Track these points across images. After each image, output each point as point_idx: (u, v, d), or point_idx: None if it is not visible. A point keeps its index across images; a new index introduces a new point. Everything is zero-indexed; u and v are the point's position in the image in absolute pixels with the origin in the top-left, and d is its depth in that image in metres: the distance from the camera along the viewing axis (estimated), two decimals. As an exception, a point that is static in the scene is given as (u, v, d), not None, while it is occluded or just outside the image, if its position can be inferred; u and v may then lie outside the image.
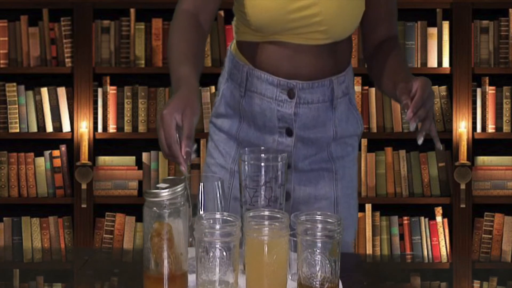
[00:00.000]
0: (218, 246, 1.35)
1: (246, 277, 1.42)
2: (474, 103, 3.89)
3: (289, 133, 1.82)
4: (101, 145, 3.91)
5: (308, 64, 1.79)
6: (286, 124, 1.82)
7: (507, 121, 3.89)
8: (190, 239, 1.45)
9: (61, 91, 3.90)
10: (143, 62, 3.92)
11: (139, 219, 3.90)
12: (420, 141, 1.68)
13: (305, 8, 1.74)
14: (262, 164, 1.51)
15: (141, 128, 3.91)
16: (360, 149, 3.91)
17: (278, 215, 1.41)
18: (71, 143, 3.88)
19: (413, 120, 1.62)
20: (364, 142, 3.91)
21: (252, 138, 1.84)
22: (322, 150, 1.84)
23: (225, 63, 1.91)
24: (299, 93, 1.80)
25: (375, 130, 3.92)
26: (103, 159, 3.91)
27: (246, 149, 1.57)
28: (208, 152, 1.92)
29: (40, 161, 3.91)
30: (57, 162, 3.91)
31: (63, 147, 3.91)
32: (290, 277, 1.49)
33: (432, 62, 3.91)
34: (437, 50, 3.91)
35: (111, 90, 3.91)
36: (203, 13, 1.79)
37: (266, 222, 1.40)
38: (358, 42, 3.93)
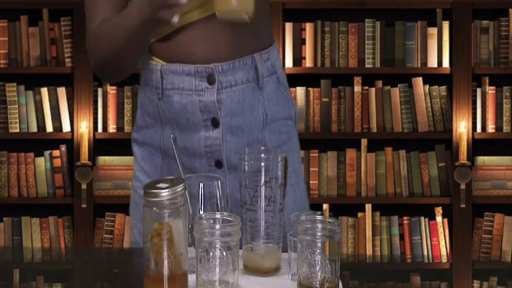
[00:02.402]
0: (218, 246, 1.35)
1: None
2: (474, 103, 3.89)
3: (215, 124, 1.67)
4: (101, 145, 3.91)
5: (224, 40, 1.65)
6: (211, 114, 1.67)
7: (507, 121, 3.89)
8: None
9: (61, 91, 3.90)
10: (143, 62, 3.92)
11: (139, 219, 3.90)
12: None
13: None
14: (262, 164, 1.50)
15: (141, 128, 3.90)
16: (360, 149, 3.92)
17: None
18: (71, 143, 3.88)
19: None
20: (364, 142, 3.91)
21: (178, 143, 1.67)
22: (255, 140, 1.70)
23: (140, 74, 1.79)
24: (220, 77, 1.65)
25: (375, 130, 3.92)
26: (103, 159, 3.91)
27: (246, 148, 1.56)
28: (134, 176, 1.78)
29: (40, 161, 3.91)
30: (57, 162, 3.91)
31: (63, 147, 3.91)
32: (290, 277, 1.50)
33: (432, 62, 3.92)
34: (437, 50, 3.91)
35: (111, 90, 3.91)
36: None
37: None
38: (358, 42, 3.93)
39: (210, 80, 1.66)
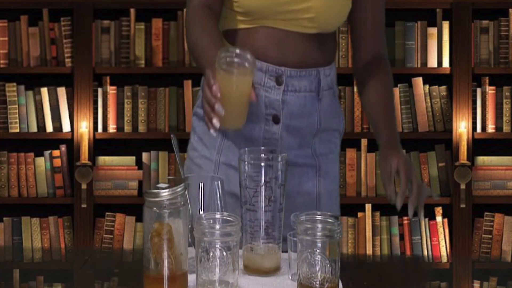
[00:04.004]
0: (218, 246, 1.35)
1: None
2: (474, 103, 3.89)
3: (276, 120, 1.83)
4: (101, 145, 3.91)
5: (296, 51, 1.82)
6: (274, 111, 1.83)
7: (507, 121, 3.89)
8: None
9: (61, 91, 3.90)
10: (143, 62, 3.92)
11: (139, 219, 3.91)
12: (399, 206, 1.78)
13: None
14: (262, 164, 1.51)
15: (141, 128, 3.91)
16: (360, 149, 3.92)
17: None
18: (71, 143, 3.88)
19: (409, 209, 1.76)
20: (364, 142, 3.91)
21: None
22: (305, 144, 1.87)
23: None
24: (287, 80, 1.82)
25: (375, 130, 3.91)
26: (103, 159, 3.91)
27: (246, 149, 1.57)
28: (191, 146, 1.92)
29: (40, 161, 3.91)
30: (57, 162, 3.91)
31: (63, 147, 3.91)
32: (290, 277, 1.50)
33: (432, 62, 3.92)
34: (437, 50, 3.91)
35: (111, 90, 3.91)
36: (214, 4, 1.82)
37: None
38: (358, 42, 3.93)
39: (279, 81, 1.82)
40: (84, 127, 3.82)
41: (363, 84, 1.96)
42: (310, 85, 1.84)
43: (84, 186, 3.84)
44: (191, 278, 1.40)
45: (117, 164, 3.92)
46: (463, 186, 3.84)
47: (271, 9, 1.79)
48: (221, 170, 1.83)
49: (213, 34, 1.76)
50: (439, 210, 3.91)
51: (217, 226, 1.36)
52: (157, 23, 3.92)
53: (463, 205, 3.84)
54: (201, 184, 1.49)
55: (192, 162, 1.90)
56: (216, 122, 1.54)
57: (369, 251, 3.87)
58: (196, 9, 1.81)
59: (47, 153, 3.92)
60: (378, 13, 1.93)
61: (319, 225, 1.36)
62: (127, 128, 3.91)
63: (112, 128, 3.91)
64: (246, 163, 1.51)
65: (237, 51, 1.56)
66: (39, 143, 3.94)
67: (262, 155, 1.53)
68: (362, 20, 1.90)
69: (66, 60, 3.89)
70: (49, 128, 3.90)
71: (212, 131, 1.56)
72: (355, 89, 3.91)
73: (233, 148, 1.84)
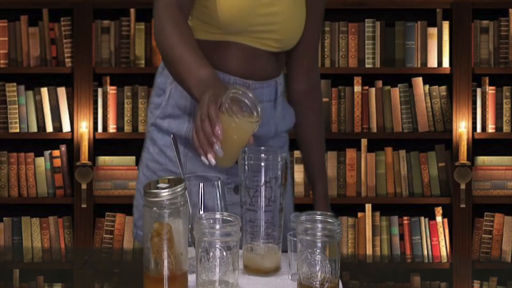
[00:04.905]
0: (218, 246, 1.35)
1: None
2: (474, 103, 3.89)
3: None
4: (101, 145, 3.91)
5: (261, 66, 1.87)
6: None
7: (507, 121, 3.89)
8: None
9: (61, 91, 3.91)
10: (143, 62, 3.92)
11: (139, 219, 3.90)
12: None
13: (272, 14, 1.81)
14: (262, 164, 1.51)
15: (141, 128, 3.91)
16: (360, 149, 3.92)
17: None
18: (71, 143, 3.88)
19: None
20: (364, 142, 3.91)
21: None
22: (263, 144, 1.90)
23: None
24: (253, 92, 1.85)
25: (375, 130, 3.92)
26: (103, 159, 3.91)
27: (246, 149, 1.57)
28: (151, 157, 1.92)
29: (40, 161, 3.91)
30: (57, 162, 3.91)
31: (63, 147, 3.91)
32: (290, 277, 1.50)
33: (432, 62, 3.92)
34: (437, 50, 3.91)
35: (111, 90, 3.91)
36: (185, 4, 1.78)
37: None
38: (358, 42, 3.93)
39: None
40: (84, 127, 3.83)
41: (298, 117, 2.03)
42: (269, 95, 1.90)
43: (84, 186, 3.84)
44: (191, 278, 1.40)
45: (117, 164, 3.92)
46: (463, 186, 3.84)
47: (246, 27, 1.80)
48: (188, 181, 1.80)
49: (193, 44, 1.71)
50: (439, 210, 3.91)
51: (217, 226, 1.36)
52: (157, 23, 3.92)
53: (463, 205, 3.84)
54: (201, 184, 1.49)
55: (155, 175, 1.90)
56: (211, 158, 1.51)
57: (369, 251, 3.87)
58: (167, 7, 1.74)
59: (47, 153, 3.92)
60: (319, 29, 2.04)
61: (319, 225, 1.36)
62: (127, 128, 3.91)
63: (112, 128, 3.91)
64: (246, 163, 1.51)
65: (250, 95, 1.54)
66: (39, 143, 3.94)
67: (262, 155, 1.53)
68: (308, 36, 1.96)
69: (66, 60, 3.90)
70: (49, 128, 3.90)
71: (203, 158, 1.53)
72: (355, 89, 3.91)
73: (197, 159, 1.80)
